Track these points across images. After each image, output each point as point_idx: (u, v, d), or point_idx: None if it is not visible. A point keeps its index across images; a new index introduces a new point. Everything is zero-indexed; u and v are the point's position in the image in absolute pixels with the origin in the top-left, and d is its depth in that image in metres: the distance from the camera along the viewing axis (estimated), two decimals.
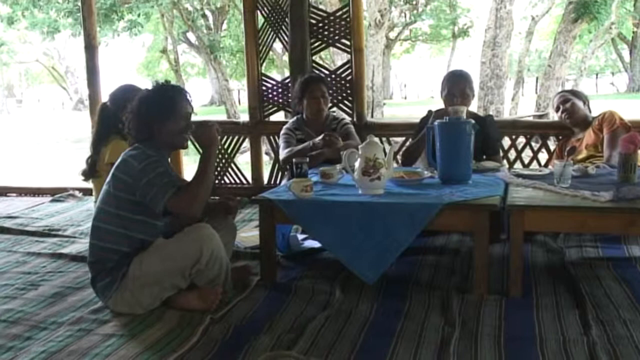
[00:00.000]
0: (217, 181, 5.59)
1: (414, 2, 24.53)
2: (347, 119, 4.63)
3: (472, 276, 3.00)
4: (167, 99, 2.82)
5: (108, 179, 2.84)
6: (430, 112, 4.20)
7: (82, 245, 3.93)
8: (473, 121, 3.32)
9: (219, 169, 5.59)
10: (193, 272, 2.80)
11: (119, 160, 2.83)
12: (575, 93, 4.39)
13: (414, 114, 4.26)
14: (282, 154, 4.22)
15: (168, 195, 2.69)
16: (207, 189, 2.80)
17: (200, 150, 2.90)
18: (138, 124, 2.83)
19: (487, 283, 2.94)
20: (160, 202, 2.69)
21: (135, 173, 2.71)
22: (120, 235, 2.77)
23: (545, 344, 2.39)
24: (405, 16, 26.15)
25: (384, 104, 16.72)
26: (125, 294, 2.76)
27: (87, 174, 3.90)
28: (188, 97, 2.90)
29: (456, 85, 3.91)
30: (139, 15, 16.11)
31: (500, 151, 4.40)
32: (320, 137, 3.98)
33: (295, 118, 4.44)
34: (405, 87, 39.28)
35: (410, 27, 28.41)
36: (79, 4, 5.88)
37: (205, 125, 2.89)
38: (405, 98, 36.41)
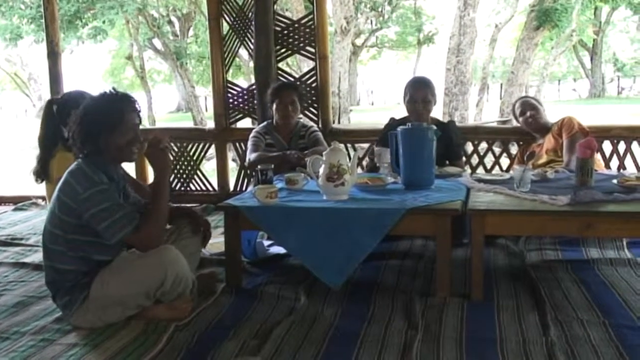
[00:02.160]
0: (182, 188, 5.57)
1: (380, 9, 24.73)
2: (316, 126, 4.66)
3: (435, 280, 3.05)
4: (114, 109, 2.66)
5: (53, 197, 2.70)
6: (392, 119, 4.26)
7: None
8: (435, 127, 3.37)
9: (184, 175, 5.58)
10: (158, 294, 2.74)
11: (62, 179, 2.67)
12: (536, 100, 4.50)
13: (381, 120, 4.36)
14: (250, 157, 4.22)
15: (126, 231, 2.61)
16: (163, 218, 2.75)
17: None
18: (83, 136, 2.66)
19: (450, 286, 2.99)
20: (116, 235, 2.60)
21: (80, 200, 2.58)
22: (74, 257, 2.68)
23: (506, 345, 2.44)
24: (371, 23, 26.35)
25: (351, 110, 16.82)
26: (88, 315, 2.69)
27: (39, 174, 3.79)
28: (137, 106, 2.75)
29: (418, 92, 3.98)
30: (103, 22, 15.94)
31: (463, 156, 4.48)
32: (294, 153, 4.00)
33: (265, 122, 4.45)
34: (372, 94, 39.48)
35: (376, 34, 28.64)
36: (42, 10, 5.81)
37: (156, 146, 2.78)
38: (372, 104, 36.59)
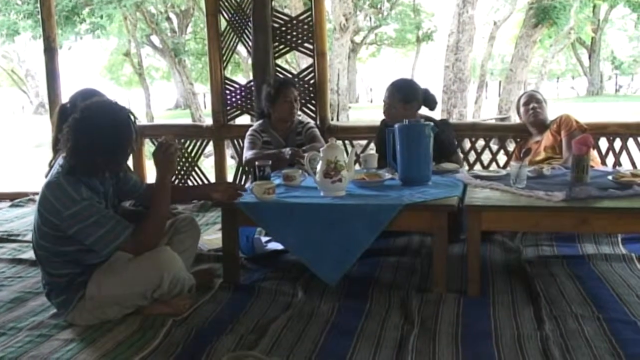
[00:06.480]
0: (180, 185, 5.58)
1: (379, 7, 24.71)
2: (312, 122, 4.67)
3: (432, 276, 3.06)
4: (119, 132, 2.59)
5: (35, 209, 2.65)
6: (384, 120, 4.26)
7: None
8: (432, 124, 3.39)
9: (183, 172, 5.59)
10: (155, 295, 2.72)
11: (40, 193, 2.59)
12: (542, 96, 4.52)
13: (379, 118, 4.38)
14: (247, 154, 4.23)
15: (119, 241, 2.60)
16: (163, 223, 2.76)
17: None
18: (78, 149, 2.54)
19: (446, 282, 3.00)
20: (109, 246, 2.59)
21: (63, 218, 2.53)
22: (65, 262, 2.65)
23: (501, 340, 2.46)
24: (370, 20, 26.33)
25: (350, 107, 16.83)
26: (84, 313, 2.69)
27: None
28: (133, 118, 2.66)
29: (386, 93, 4.02)
30: (101, 17, 15.93)
31: (459, 152, 4.48)
32: (288, 149, 4.00)
33: (262, 120, 4.44)
34: (372, 91, 39.44)
35: (375, 31, 28.63)
36: (39, 5, 5.80)
37: (166, 151, 2.77)
38: (372, 101, 36.54)
